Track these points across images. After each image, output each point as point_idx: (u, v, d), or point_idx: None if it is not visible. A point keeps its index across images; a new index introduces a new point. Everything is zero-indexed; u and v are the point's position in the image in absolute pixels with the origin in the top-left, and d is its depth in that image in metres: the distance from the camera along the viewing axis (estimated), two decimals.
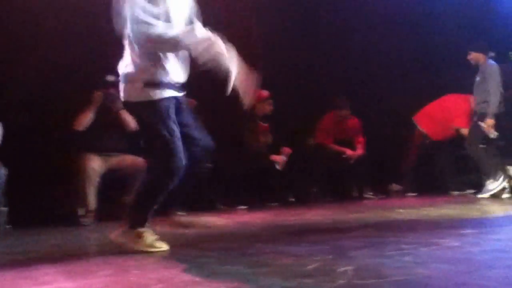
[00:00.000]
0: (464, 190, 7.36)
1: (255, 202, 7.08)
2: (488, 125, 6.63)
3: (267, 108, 7.36)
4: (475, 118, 6.88)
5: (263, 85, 7.38)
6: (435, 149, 7.62)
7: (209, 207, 6.67)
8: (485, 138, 6.72)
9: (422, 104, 7.74)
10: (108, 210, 5.99)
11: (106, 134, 6.10)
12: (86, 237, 5.04)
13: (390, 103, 7.97)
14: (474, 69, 7.14)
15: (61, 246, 4.27)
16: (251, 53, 7.53)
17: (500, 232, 3.66)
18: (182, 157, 3.25)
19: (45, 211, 6.17)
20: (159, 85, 3.26)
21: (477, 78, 6.93)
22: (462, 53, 7.44)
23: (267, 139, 7.45)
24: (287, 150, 7.32)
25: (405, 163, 7.85)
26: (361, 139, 7.88)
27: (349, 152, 7.69)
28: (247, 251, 3.17)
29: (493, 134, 6.66)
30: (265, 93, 7.30)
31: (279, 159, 7.24)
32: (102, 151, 6.14)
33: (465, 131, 7.27)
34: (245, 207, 6.85)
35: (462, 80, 7.72)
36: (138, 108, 3.33)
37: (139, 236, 3.37)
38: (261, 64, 7.72)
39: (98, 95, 6.07)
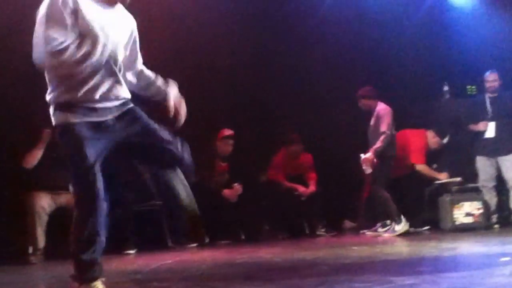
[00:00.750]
0: (419, 227, 7.35)
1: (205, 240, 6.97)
2: (366, 159, 6.79)
3: (228, 148, 7.30)
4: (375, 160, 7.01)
5: (222, 122, 7.46)
6: (390, 186, 7.61)
7: (159, 245, 6.53)
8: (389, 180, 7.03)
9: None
10: (57, 248, 5.88)
11: (55, 171, 5.96)
12: (34, 275, 5.01)
13: (344, 139, 7.95)
14: (432, 103, 7.26)
15: (9, 284, 4.13)
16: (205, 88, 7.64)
17: (456, 269, 3.64)
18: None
19: None
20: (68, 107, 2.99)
21: (372, 122, 7.14)
22: (419, 87, 7.55)
23: (223, 178, 7.37)
24: (237, 187, 7.23)
25: (359, 200, 7.82)
26: (313, 175, 7.83)
27: (301, 189, 7.64)
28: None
29: (368, 170, 6.82)
30: (227, 131, 7.27)
31: (230, 194, 7.14)
32: (51, 188, 6.07)
33: (420, 167, 7.33)
34: (195, 245, 6.71)
35: (418, 114, 7.82)
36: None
37: None
38: (215, 98, 7.85)
39: (46, 132, 6.00)
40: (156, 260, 4.87)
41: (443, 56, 8.32)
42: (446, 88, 7.67)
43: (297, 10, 8.13)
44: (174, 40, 7.53)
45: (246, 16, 8.01)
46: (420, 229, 7.26)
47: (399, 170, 7.46)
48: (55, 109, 3.01)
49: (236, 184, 7.24)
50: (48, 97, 3.05)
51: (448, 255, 4.61)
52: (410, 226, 7.27)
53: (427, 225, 7.32)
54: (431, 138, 7.50)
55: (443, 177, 7.31)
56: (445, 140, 7.50)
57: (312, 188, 7.63)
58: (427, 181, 7.53)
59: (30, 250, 5.84)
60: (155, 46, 7.14)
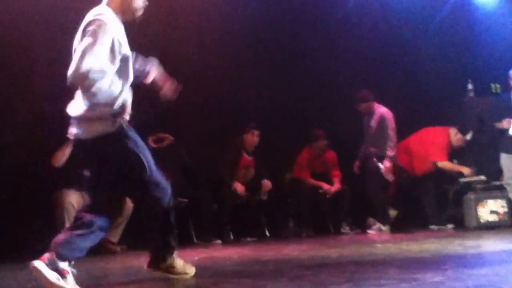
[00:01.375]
0: (444, 224, 7.35)
1: (230, 237, 7.07)
2: (387, 169, 7.30)
3: (255, 139, 7.36)
4: (374, 160, 7.36)
5: (248, 118, 7.54)
6: (415, 183, 7.62)
7: (185, 241, 6.60)
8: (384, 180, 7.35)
9: (402, 137, 7.74)
10: None
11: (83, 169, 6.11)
12: None
13: None
14: (456, 101, 7.28)
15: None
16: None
17: (480, 267, 3.63)
18: None
19: (24, 245, 6.13)
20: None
21: (371, 124, 7.50)
22: (443, 85, 7.54)
23: (249, 174, 7.42)
24: (267, 183, 7.29)
25: (384, 198, 7.82)
26: (337, 172, 7.86)
27: (326, 186, 7.67)
28: (226, 286, 3.16)
29: (390, 177, 7.31)
30: (252, 124, 7.36)
31: (240, 188, 7.18)
32: (80, 186, 6.13)
33: (442, 163, 7.33)
34: (220, 241, 6.80)
35: (442, 112, 7.80)
36: None
37: None
38: (242, 97, 7.92)
39: None
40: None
41: (468, 54, 8.30)
42: (470, 86, 7.64)
43: (323, 9, 8.17)
44: (202, 38, 7.62)
45: (275, 14, 8.07)
46: (444, 227, 7.28)
47: (422, 168, 7.47)
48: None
49: (265, 180, 7.30)
50: (79, 111, 3.25)
51: (473, 253, 4.60)
52: (435, 224, 7.32)
53: (452, 223, 7.32)
54: (454, 136, 7.49)
55: (466, 171, 7.31)
56: (468, 137, 7.48)
57: (337, 186, 7.66)
58: (451, 179, 7.53)
59: None
60: (181, 43, 7.28)
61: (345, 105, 7.91)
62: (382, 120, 7.46)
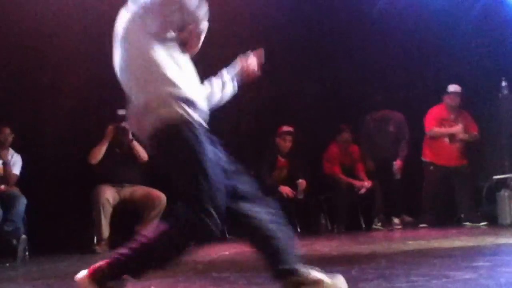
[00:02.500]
0: (477, 222, 7.30)
1: None
2: (399, 167, 7.81)
3: (287, 144, 7.45)
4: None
5: (283, 117, 7.62)
6: (450, 181, 7.59)
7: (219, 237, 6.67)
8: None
9: None
10: (121, 239, 6.09)
11: (119, 166, 6.30)
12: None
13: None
14: (491, 98, 7.31)
15: (77, 272, 4.29)
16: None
17: None
18: None
19: (61, 239, 6.31)
20: None
21: (392, 129, 7.95)
22: (477, 83, 7.53)
23: (282, 174, 7.50)
24: (302, 183, 7.35)
25: (418, 195, 7.81)
26: (362, 166, 7.90)
27: (357, 183, 7.69)
28: (257, 280, 3.21)
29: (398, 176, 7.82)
30: (286, 128, 7.46)
31: (286, 190, 7.25)
32: (115, 182, 6.33)
33: (432, 132, 7.67)
34: None
35: (477, 110, 7.77)
36: None
37: None
38: (279, 96, 8.00)
39: (110, 129, 6.26)
40: (215, 251, 4.98)
41: (501, 52, 8.20)
42: (504, 83, 7.56)
43: (356, 8, 8.18)
44: (239, 39, 7.70)
45: (307, 13, 8.11)
46: (477, 224, 7.22)
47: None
48: None
49: (300, 180, 7.36)
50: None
51: (506, 250, 4.58)
52: (468, 221, 7.28)
53: (485, 220, 7.26)
54: (448, 99, 7.65)
55: (457, 129, 7.54)
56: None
57: (368, 182, 7.68)
58: (485, 176, 7.49)
59: (95, 240, 6.15)
60: (223, 42, 7.37)
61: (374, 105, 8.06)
62: (401, 124, 7.94)
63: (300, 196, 7.33)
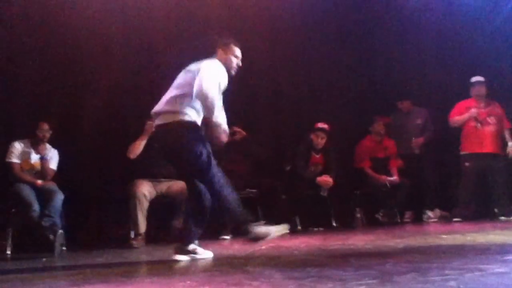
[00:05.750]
0: (511, 216, 7.27)
1: (298, 227, 7.20)
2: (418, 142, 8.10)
3: (321, 140, 7.50)
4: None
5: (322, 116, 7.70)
6: (485, 175, 7.56)
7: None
8: None
9: None
10: (157, 234, 6.22)
11: (157, 161, 6.32)
12: (136, 259, 5.20)
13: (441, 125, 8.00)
14: None
15: (114, 267, 4.42)
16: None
17: None
18: None
19: (99, 234, 6.42)
20: None
21: (419, 121, 8.13)
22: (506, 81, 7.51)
23: (317, 170, 7.55)
24: (326, 180, 7.37)
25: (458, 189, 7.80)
26: (394, 162, 7.90)
27: (383, 178, 7.71)
28: (293, 274, 3.22)
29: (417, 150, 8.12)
30: (321, 124, 7.51)
31: (324, 182, 7.30)
32: (152, 177, 6.41)
33: (453, 120, 7.81)
34: (287, 232, 6.91)
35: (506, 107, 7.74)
36: None
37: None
38: (314, 94, 8.07)
39: (149, 124, 6.32)
40: (250, 245, 5.04)
41: None
42: None
43: (389, 7, 8.21)
44: (272, 36, 7.79)
45: (342, 12, 8.17)
46: (511, 219, 7.19)
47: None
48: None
49: (324, 176, 7.40)
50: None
51: None
52: (504, 215, 7.25)
53: None
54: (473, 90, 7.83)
55: (475, 112, 7.65)
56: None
57: (396, 177, 7.70)
58: None
59: (132, 234, 6.20)
60: (252, 42, 7.46)
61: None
62: (427, 117, 8.16)
63: (324, 194, 7.36)
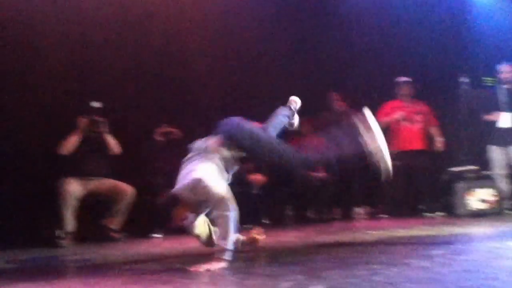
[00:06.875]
0: (435, 212, 7.52)
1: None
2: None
3: None
4: None
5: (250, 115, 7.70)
6: (411, 173, 7.78)
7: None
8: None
9: None
10: (86, 232, 6.11)
11: (88, 158, 6.26)
12: (64, 258, 5.13)
13: None
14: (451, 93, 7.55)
15: (41, 266, 4.33)
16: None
17: (468, 253, 3.78)
18: None
19: (25, 232, 6.24)
20: None
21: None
22: (440, 78, 7.73)
23: (248, 167, 7.56)
24: (256, 178, 7.42)
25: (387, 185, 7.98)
26: None
27: (312, 174, 7.83)
28: (222, 271, 3.24)
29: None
30: None
31: (256, 180, 7.34)
32: (83, 175, 6.27)
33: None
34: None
35: (437, 103, 7.99)
36: None
37: None
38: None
39: (83, 120, 6.20)
40: (181, 244, 5.02)
41: (463, 49, 8.47)
42: (463, 79, 7.79)
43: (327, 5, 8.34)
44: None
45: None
46: (436, 215, 7.44)
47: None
48: None
49: (253, 175, 7.43)
50: None
51: (461, 239, 4.76)
52: (427, 211, 7.49)
53: (443, 211, 7.49)
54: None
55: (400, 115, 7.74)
56: None
57: (323, 174, 7.82)
58: (443, 168, 7.71)
59: (60, 233, 6.01)
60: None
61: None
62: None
63: (255, 191, 7.41)
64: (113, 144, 6.37)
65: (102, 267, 4.04)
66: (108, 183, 6.26)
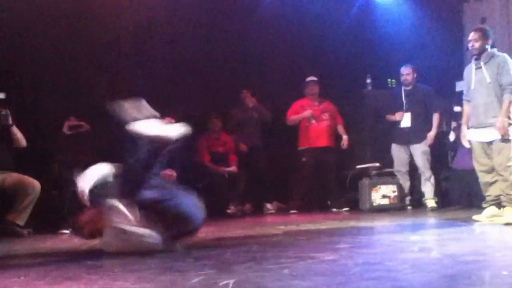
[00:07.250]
0: (342, 207, 7.77)
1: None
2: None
3: None
4: None
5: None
6: (320, 170, 7.98)
7: None
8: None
9: None
10: None
11: None
12: None
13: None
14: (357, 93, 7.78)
15: None
16: None
17: (371, 246, 3.95)
18: None
19: None
20: None
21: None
22: (346, 79, 7.97)
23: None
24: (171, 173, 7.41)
25: (294, 182, 8.16)
26: (234, 157, 8.11)
27: (222, 169, 7.90)
28: (133, 267, 3.20)
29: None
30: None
31: (168, 176, 7.30)
32: None
33: (289, 119, 8.14)
34: None
35: (344, 104, 8.22)
36: None
37: None
38: None
39: None
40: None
41: (368, 51, 8.75)
42: (369, 80, 8.09)
43: (239, 9, 8.38)
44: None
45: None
46: (341, 210, 7.69)
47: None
48: None
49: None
50: None
51: (365, 233, 4.97)
52: (335, 207, 7.73)
53: (348, 206, 7.75)
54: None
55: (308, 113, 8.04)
56: None
57: (233, 167, 7.91)
58: (349, 165, 7.98)
59: None
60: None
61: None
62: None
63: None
64: (20, 137, 6.11)
65: (4, 262, 3.91)
66: (13, 177, 6.03)
